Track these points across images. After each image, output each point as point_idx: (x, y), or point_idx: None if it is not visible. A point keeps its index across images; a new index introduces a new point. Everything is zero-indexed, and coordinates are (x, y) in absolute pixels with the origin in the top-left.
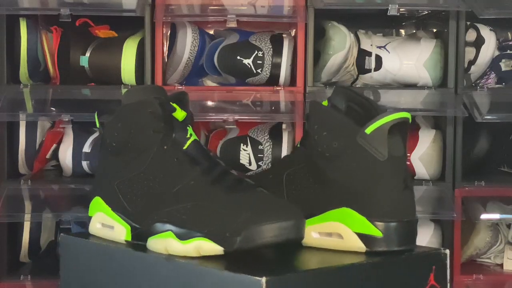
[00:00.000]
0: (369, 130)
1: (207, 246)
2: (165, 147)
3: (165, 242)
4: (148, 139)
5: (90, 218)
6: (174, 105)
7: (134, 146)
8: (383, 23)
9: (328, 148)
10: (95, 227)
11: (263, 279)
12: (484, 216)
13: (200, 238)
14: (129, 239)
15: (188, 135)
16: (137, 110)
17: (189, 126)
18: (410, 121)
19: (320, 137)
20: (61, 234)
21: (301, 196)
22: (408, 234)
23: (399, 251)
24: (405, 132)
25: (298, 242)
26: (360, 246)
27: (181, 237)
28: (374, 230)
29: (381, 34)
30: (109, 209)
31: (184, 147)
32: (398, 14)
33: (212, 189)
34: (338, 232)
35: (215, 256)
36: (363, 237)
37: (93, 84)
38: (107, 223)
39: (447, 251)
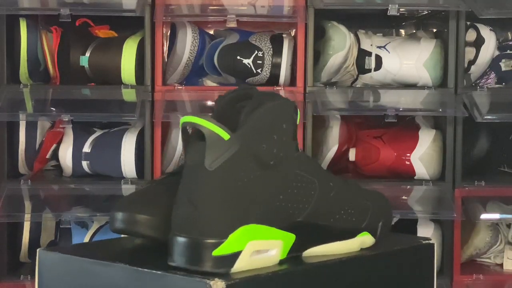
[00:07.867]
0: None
1: None
2: None
3: None
4: None
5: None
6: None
7: None
8: (383, 23)
9: None
10: None
11: (39, 251)
12: (484, 216)
13: None
14: None
15: None
16: None
17: None
18: (206, 124)
19: None
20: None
21: None
22: (186, 253)
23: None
24: (203, 138)
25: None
26: None
27: None
28: None
29: (381, 34)
30: None
31: None
32: (398, 14)
33: None
34: None
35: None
36: None
37: (93, 84)
38: None
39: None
